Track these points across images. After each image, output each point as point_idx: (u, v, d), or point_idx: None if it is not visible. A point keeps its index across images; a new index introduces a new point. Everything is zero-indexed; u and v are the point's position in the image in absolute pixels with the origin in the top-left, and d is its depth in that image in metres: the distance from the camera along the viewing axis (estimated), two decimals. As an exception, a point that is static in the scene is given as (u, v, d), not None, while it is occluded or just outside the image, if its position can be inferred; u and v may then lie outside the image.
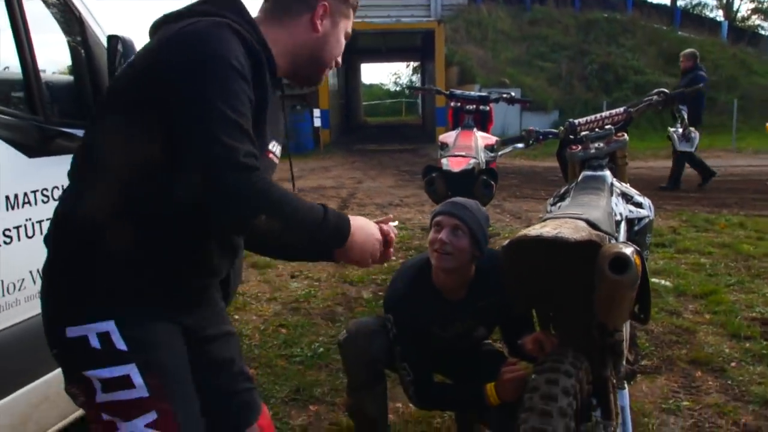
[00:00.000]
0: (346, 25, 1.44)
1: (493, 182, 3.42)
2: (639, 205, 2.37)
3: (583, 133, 2.46)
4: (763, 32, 29.61)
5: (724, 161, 10.74)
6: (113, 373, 1.19)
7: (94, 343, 1.18)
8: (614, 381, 1.93)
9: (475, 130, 4.01)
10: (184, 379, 1.29)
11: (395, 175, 10.18)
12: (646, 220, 2.41)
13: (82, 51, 2.25)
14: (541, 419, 1.46)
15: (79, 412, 2.29)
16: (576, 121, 2.46)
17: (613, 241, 1.63)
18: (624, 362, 2.11)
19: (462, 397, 2.12)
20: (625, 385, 2.11)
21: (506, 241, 1.66)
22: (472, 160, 3.37)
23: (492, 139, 4.00)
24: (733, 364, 3.15)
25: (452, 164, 3.30)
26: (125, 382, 1.19)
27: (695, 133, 2.04)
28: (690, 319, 3.72)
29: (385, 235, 1.39)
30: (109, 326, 1.19)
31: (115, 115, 1.23)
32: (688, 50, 7.05)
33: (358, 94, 27.71)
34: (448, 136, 4.02)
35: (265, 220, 1.16)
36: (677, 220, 6.27)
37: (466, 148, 3.66)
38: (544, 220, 1.71)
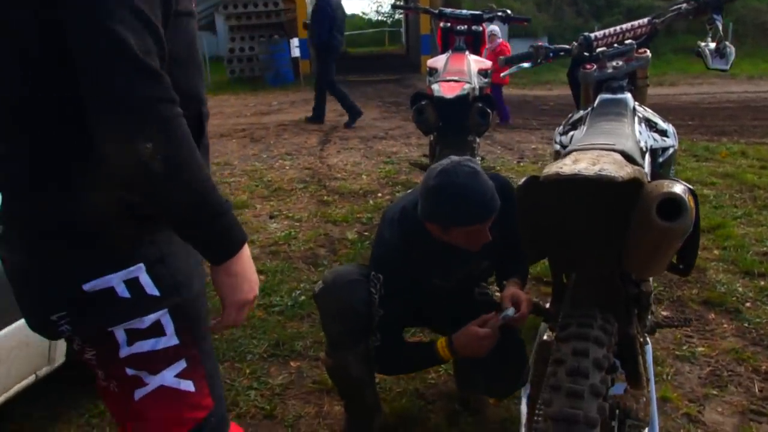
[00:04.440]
0: None
1: (489, 110, 3.07)
2: (664, 133, 2.04)
3: (600, 49, 2.10)
4: (756, -48, 28.59)
5: (719, 87, 10.39)
6: (144, 323, 1.05)
7: (123, 292, 1.02)
8: (641, 340, 1.66)
9: (467, 53, 3.63)
10: (205, 320, 1.16)
11: (379, 107, 9.72)
12: (671, 150, 2.08)
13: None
14: (570, 401, 1.18)
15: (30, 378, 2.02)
16: (592, 35, 2.09)
17: (658, 178, 1.31)
18: (650, 316, 1.85)
19: (418, 356, 1.88)
20: (649, 341, 1.85)
21: (526, 178, 1.34)
22: (467, 85, 3.01)
23: (486, 63, 3.62)
24: (748, 304, 2.92)
25: (444, 90, 2.93)
26: (155, 331, 1.06)
27: (731, 48, 1.76)
28: (699, 256, 3.46)
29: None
30: (139, 271, 1.03)
31: None
32: None
33: (338, 22, 26.68)
34: (438, 60, 3.64)
35: (149, 152, 0.88)
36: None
37: (459, 72, 3.29)
38: (567, 153, 1.38)
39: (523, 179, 1.34)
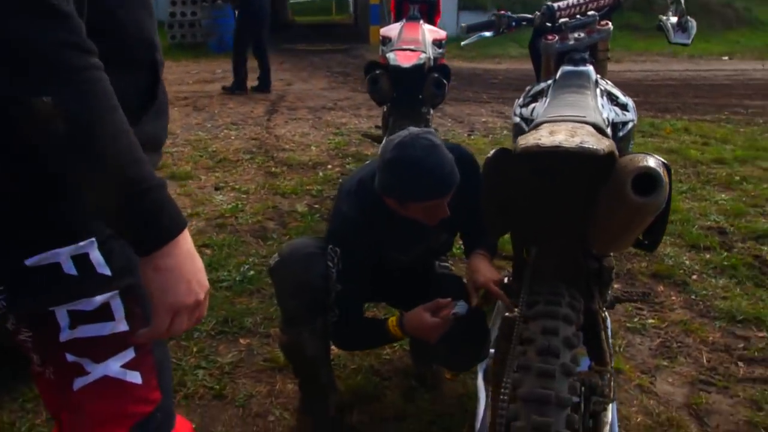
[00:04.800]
0: None
1: (445, 81, 3.00)
2: (624, 107, 2.01)
3: (562, 20, 2.05)
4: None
5: (661, 65, 10.63)
6: (91, 305, 0.93)
7: (69, 269, 0.89)
8: (603, 315, 1.65)
9: (421, 22, 3.55)
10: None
11: (327, 77, 9.51)
12: (630, 124, 2.06)
13: None
14: (541, 381, 1.14)
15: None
16: (555, 5, 2.04)
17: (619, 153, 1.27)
18: (610, 291, 1.84)
19: (374, 333, 1.83)
20: (608, 316, 1.85)
21: (494, 150, 1.28)
22: (423, 55, 2.93)
23: (441, 33, 3.55)
24: (694, 276, 2.99)
25: (400, 59, 2.84)
26: (103, 314, 0.94)
27: (692, 22, 1.75)
28: (646, 230, 3.53)
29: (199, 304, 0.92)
30: (90, 246, 0.91)
31: None
32: None
33: (284, -11, 26.02)
34: (391, 29, 3.54)
35: (47, 109, 0.74)
36: (621, 125, 6.06)
37: (414, 41, 3.20)
38: (537, 125, 1.33)
39: (491, 152, 1.28)
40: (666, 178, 1.14)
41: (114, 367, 0.96)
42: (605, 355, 1.49)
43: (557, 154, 1.04)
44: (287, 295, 1.85)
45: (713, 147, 5.21)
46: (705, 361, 2.37)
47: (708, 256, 3.18)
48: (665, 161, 1.18)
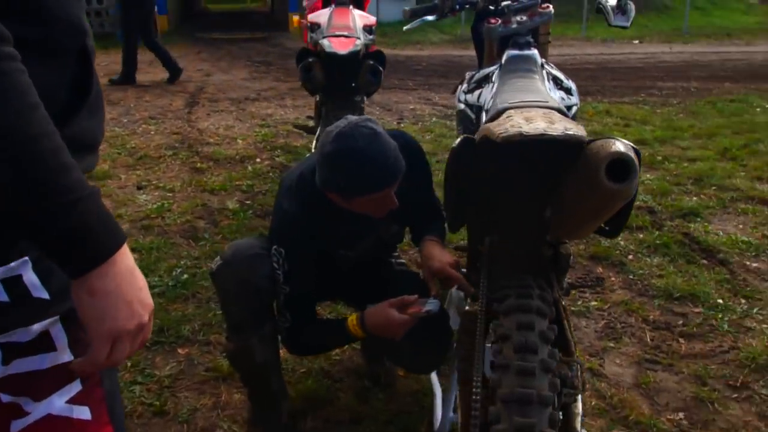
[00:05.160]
0: None
1: (381, 68, 2.91)
2: (568, 90, 2.00)
3: (505, 2, 2.01)
4: None
5: (577, 50, 10.96)
6: (27, 335, 0.79)
7: (1, 295, 0.76)
8: (563, 304, 1.62)
9: (351, 7, 3.43)
10: None
11: (248, 67, 9.22)
12: (575, 108, 2.05)
13: None
14: (520, 380, 1.09)
15: None
16: (498, -13, 1.99)
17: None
18: (566, 278, 1.82)
19: (330, 335, 1.73)
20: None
21: (460, 139, 1.21)
22: (358, 41, 2.82)
23: (371, 19, 3.45)
24: (630, 257, 3.06)
25: (336, 45, 2.73)
26: (42, 345, 0.81)
27: (631, 5, 1.75)
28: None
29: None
30: (23, 267, 0.77)
31: None
32: None
33: (195, -24, 25.14)
34: (320, 15, 3.41)
35: None
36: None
37: (345, 27, 3.09)
38: (500, 111, 1.26)
39: (457, 141, 1.21)
40: (638, 164, 1.10)
41: (58, 403, 0.82)
42: (570, 345, 1.46)
43: (540, 142, 0.98)
44: (232, 301, 1.73)
45: (634, 128, 5.39)
46: (648, 339, 2.42)
47: (641, 235, 3.27)
48: (635, 146, 1.15)
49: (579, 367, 1.40)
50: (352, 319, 1.65)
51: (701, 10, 14.48)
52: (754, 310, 2.60)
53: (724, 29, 13.39)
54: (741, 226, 3.44)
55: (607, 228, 1.45)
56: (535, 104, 1.23)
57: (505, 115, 1.12)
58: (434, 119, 5.85)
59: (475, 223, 1.63)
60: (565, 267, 1.66)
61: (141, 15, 7.19)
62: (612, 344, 2.39)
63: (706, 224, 3.42)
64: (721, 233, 3.31)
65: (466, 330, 1.59)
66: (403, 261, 1.94)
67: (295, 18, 12.96)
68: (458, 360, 1.54)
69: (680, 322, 2.53)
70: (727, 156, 4.58)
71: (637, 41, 11.83)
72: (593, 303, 2.66)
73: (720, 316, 2.56)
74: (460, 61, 9.49)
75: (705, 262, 3.02)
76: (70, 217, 0.69)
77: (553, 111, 1.18)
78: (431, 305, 1.59)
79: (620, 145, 1.08)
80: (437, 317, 1.63)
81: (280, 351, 1.85)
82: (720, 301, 2.67)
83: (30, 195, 0.67)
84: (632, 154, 1.08)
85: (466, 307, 1.68)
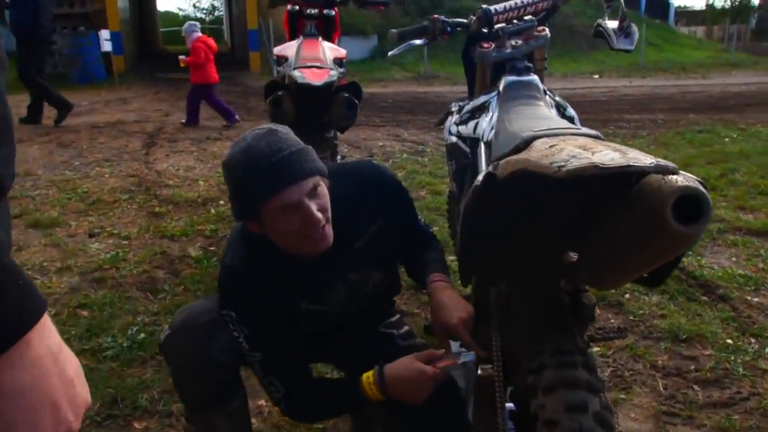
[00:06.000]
0: None
1: (357, 101, 2.70)
2: (572, 119, 1.82)
3: (499, 25, 1.83)
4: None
5: (538, 84, 11.06)
6: None
7: None
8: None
9: (320, 39, 3.24)
10: None
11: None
12: (579, 139, 1.86)
13: None
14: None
15: None
16: (492, 8, 1.80)
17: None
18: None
19: (338, 398, 1.41)
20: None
21: (484, 174, 0.98)
22: (333, 72, 2.61)
23: (341, 52, 3.26)
24: (627, 296, 2.87)
25: (309, 76, 2.51)
26: None
27: (635, 27, 1.64)
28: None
29: None
30: None
31: None
32: None
33: (154, 17, 24.93)
34: (287, 48, 3.21)
35: None
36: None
37: (315, 59, 2.88)
38: (531, 139, 1.04)
39: (479, 178, 0.99)
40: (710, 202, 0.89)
41: None
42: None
43: (625, 174, 0.76)
44: (186, 378, 1.43)
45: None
46: (662, 388, 2.20)
47: (635, 272, 3.09)
48: (700, 179, 0.94)
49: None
50: (368, 377, 1.34)
51: (655, 46, 14.88)
52: (766, 350, 2.42)
53: (679, 64, 13.77)
54: (734, 259, 3.30)
55: (647, 276, 1.24)
56: (569, 132, 1.01)
57: (542, 145, 0.90)
58: (405, 155, 5.68)
59: (485, 269, 1.40)
60: (590, 318, 1.44)
61: (41, 51, 6.85)
62: (623, 395, 2.16)
63: (699, 258, 3.26)
64: (716, 267, 3.16)
65: (483, 400, 1.35)
66: (409, 331, 1.65)
67: (256, 57, 12.81)
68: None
69: (692, 366, 2.33)
70: (707, 187, 4.49)
71: (597, 76, 12.03)
72: (596, 349, 2.44)
73: (732, 358, 2.37)
74: (426, 97, 9.43)
75: (705, 298, 2.85)
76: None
77: (598, 138, 0.96)
78: (467, 357, 1.30)
79: (688, 179, 0.87)
80: (448, 389, 1.37)
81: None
82: (729, 341, 2.48)
83: None
84: (703, 189, 0.87)
85: (479, 372, 1.44)
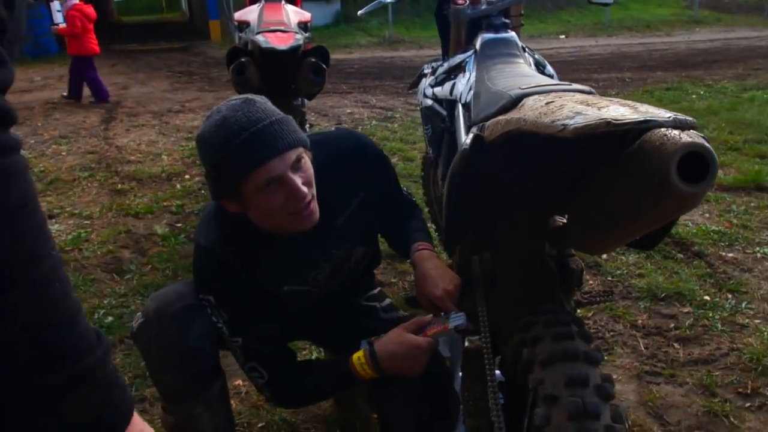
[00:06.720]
0: None
1: (325, 66, 2.59)
2: (552, 78, 1.74)
3: (473, -20, 1.74)
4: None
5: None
6: None
7: None
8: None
9: (283, 2, 3.10)
10: None
11: (169, 77, 8.68)
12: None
13: None
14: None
15: None
16: (465, -39, 1.71)
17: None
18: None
19: (326, 379, 1.34)
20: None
21: (471, 136, 0.90)
22: (298, 36, 2.49)
23: (306, 15, 3.13)
24: (604, 256, 2.85)
25: (274, 41, 2.38)
26: None
27: None
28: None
29: None
30: None
31: None
32: None
33: (106, -13, 24.05)
34: (248, 12, 3.07)
35: None
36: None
37: (279, 23, 2.76)
38: (520, 98, 0.97)
39: (466, 140, 0.91)
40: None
41: None
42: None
43: (616, 132, 0.68)
44: (162, 368, 1.34)
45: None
46: (643, 348, 2.20)
47: (611, 232, 3.08)
48: (704, 136, 0.88)
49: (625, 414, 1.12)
50: (359, 357, 1.27)
51: (620, 5, 14.84)
52: (743, 305, 2.43)
53: (644, 21, 13.78)
54: (707, 215, 3.31)
55: (640, 238, 1.19)
56: (560, 88, 0.94)
57: (536, 103, 0.83)
58: (374, 122, 5.56)
59: (470, 238, 1.33)
60: (577, 284, 1.40)
61: None
62: (606, 357, 2.15)
63: (673, 215, 3.26)
64: (690, 224, 3.16)
65: (471, 375, 1.30)
66: (391, 303, 1.58)
67: (216, 25, 12.41)
68: (468, 415, 1.24)
69: (672, 325, 2.33)
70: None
71: (563, 36, 11.96)
72: (577, 311, 2.42)
73: (710, 314, 2.37)
74: (392, 62, 9.26)
75: (681, 256, 2.85)
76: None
77: (592, 93, 0.89)
78: (457, 320, 1.22)
79: (691, 135, 0.81)
80: (439, 379, 1.31)
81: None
82: (707, 298, 2.49)
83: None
84: (708, 146, 0.81)
85: (466, 343, 1.38)
